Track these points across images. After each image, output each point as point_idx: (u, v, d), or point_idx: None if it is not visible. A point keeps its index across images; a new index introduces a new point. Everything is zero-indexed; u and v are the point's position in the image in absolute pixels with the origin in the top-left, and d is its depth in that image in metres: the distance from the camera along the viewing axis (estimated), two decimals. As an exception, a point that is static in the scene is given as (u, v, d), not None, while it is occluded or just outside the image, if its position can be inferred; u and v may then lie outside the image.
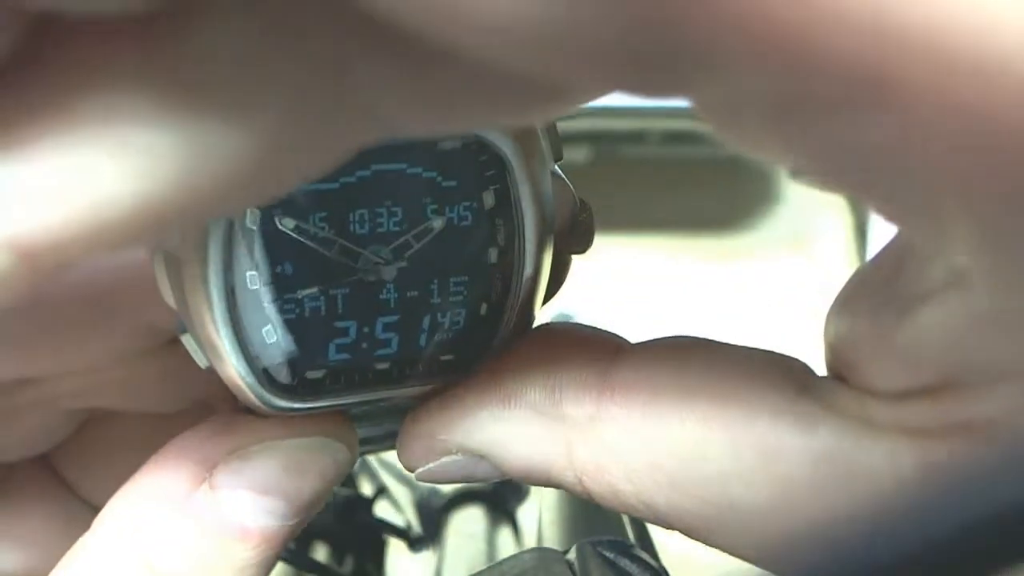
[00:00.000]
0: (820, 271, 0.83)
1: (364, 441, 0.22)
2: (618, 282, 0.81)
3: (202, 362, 0.19)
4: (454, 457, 0.20)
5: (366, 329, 0.20)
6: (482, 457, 0.20)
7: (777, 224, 0.84)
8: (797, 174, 0.18)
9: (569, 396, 0.19)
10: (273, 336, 0.19)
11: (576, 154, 0.73)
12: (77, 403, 0.21)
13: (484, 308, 0.20)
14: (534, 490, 0.49)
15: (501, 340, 0.20)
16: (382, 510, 0.49)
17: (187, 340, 0.19)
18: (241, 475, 0.19)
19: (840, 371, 0.16)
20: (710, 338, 0.19)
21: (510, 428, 0.19)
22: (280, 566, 0.39)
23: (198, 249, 0.17)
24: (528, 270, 0.20)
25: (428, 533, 0.48)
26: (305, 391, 0.19)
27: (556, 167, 0.20)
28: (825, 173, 0.11)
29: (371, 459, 0.50)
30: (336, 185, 0.18)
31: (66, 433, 0.22)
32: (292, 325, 0.19)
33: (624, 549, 0.25)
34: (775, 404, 0.16)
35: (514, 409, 0.19)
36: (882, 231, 0.83)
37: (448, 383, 0.20)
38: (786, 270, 0.83)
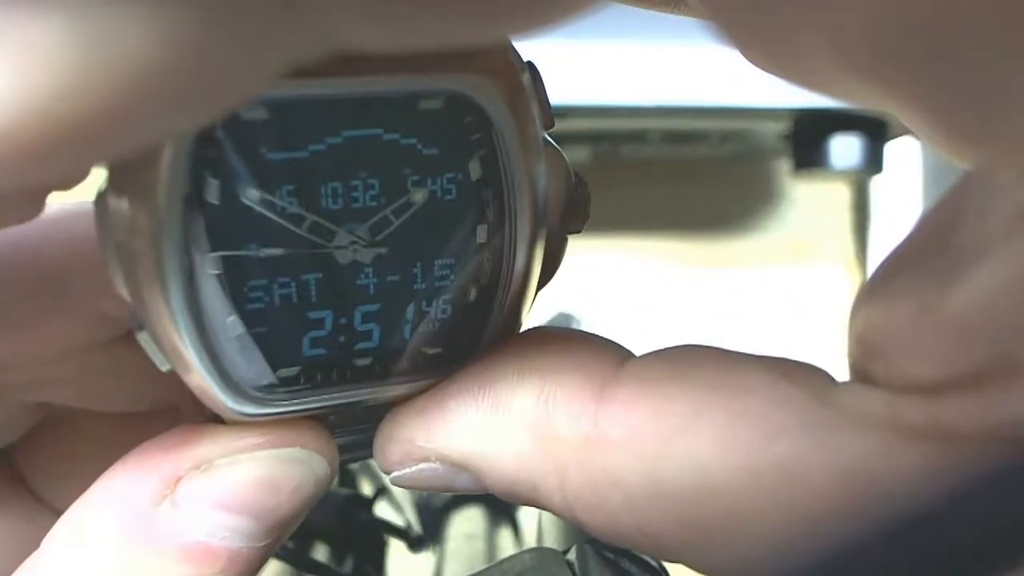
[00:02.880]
0: (821, 272, 0.83)
1: (345, 449, 0.20)
2: (618, 282, 0.81)
3: (162, 364, 0.17)
4: (432, 465, 0.18)
5: (343, 320, 0.18)
6: (463, 469, 0.18)
7: (778, 225, 0.84)
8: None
9: (563, 411, 0.17)
10: (239, 328, 0.17)
11: (576, 154, 0.73)
12: (29, 396, 0.20)
13: (473, 293, 0.18)
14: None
15: (493, 331, 0.19)
16: (382, 510, 0.49)
17: (144, 339, 0.17)
18: (206, 491, 0.17)
19: (868, 368, 0.15)
20: (718, 346, 0.17)
21: (495, 441, 0.18)
22: (280, 566, 0.39)
23: (151, 228, 0.15)
24: (521, 250, 0.18)
25: (428, 533, 0.48)
26: (277, 392, 0.17)
27: (547, 136, 0.18)
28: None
29: (371, 459, 0.50)
30: (305, 154, 0.16)
31: (21, 429, 0.21)
32: (260, 316, 0.17)
33: (624, 549, 0.25)
34: (795, 419, 0.14)
35: (501, 420, 0.18)
36: (883, 231, 0.83)
37: (435, 382, 0.18)
38: (787, 271, 0.83)
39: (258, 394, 0.17)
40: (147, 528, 0.17)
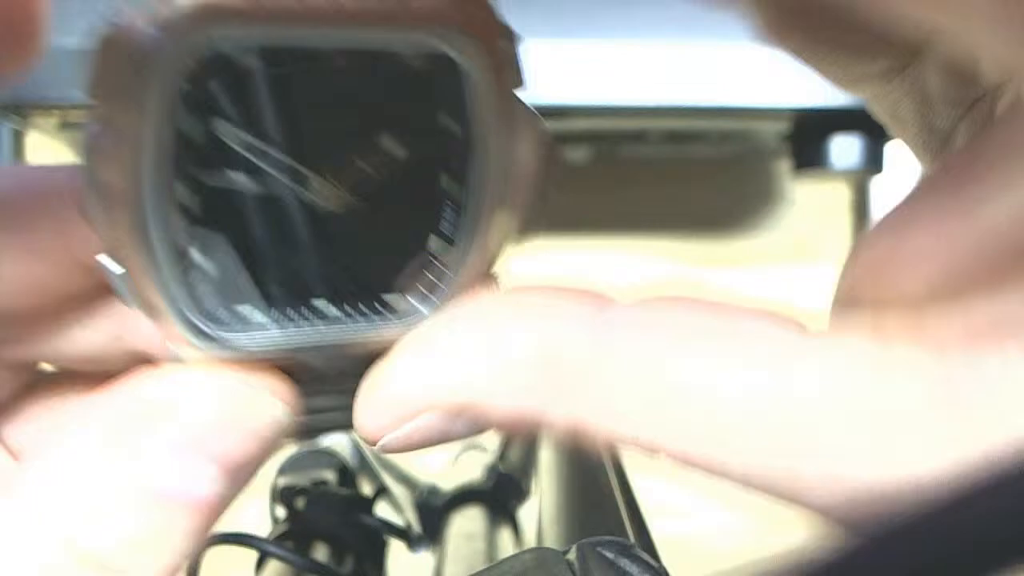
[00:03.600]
0: (821, 272, 0.83)
1: (316, 412, 0.20)
2: (617, 281, 0.81)
3: (131, 303, 0.17)
4: (428, 417, 0.18)
5: (304, 261, 0.18)
6: (460, 413, 0.18)
7: (778, 225, 0.84)
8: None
9: (567, 336, 0.17)
10: (200, 260, 0.17)
11: (576, 154, 0.73)
12: (7, 353, 0.20)
13: (435, 243, 0.19)
14: (534, 490, 0.49)
15: (455, 283, 0.19)
16: (382, 510, 0.49)
17: (114, 274, 0.17)
18: (164, 431, 0.17)
19: (859, 290, 0.16)
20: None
21: (497, 376, 0.17)
22: (280, 566, 0.39)
23: (130, 156, 0.15)
24: (486, 205, 0.18)
25: (428, 533, 0.48)
26: (235, 330, 0.18)
27: (521, 98, 0.18)
28: None
29: (371, 459, 0.50)
30: (287, 100, 0.17)
31: (4, 393, 0.21)
32: (223, 251, 0.17)
33: (624, 549, 0.25)
34: (785, 340, 0.16)
35: (502, 354, 0.17)
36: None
37: (399, 332, 0.18)
38: (787, 271, 0.83)
39: (218, 331, 0.17)
40: (110, 470, 0.17)
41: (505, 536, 0.47)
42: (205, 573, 0.34)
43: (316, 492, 0.44)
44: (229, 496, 0.18)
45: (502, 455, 0.52)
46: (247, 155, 0.17)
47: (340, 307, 0.18)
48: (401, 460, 0.51)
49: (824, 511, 0.15)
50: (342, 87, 0.17)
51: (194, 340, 0.17)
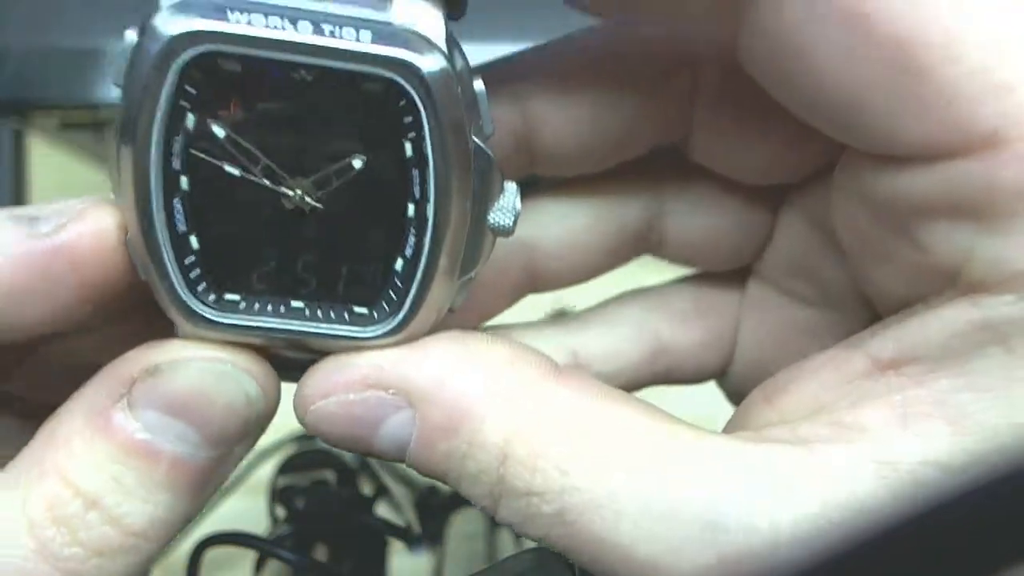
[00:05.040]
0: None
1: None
2: (617, 280, 0.81)
3: (141, 272, 0.20)
4: (378, 394, 0.20)
5: (287, 263, 0.21)
6: (409, 405, 0.20)
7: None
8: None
9: (530, 363, 0.20)
10: (196, 247, 0.20)
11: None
12: (72, 360, 0.22)
13: (400, 264, 0.21)
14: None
15: (413, 302, 0.20)
16: (382, 510, 0.49)
17: (130, 244, 0.19)
18: (152, 392, 0.19)
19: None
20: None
21: (465, 377, 0.20)
22: (280, 566, 0.39)
23: (136, 145, 0.18)
24: (441, 233, 0.20)
25: (428, 533, 0.48)
26: (222, 312, 0.20)
27: (477, 141, 0.20)
28: None
29: (371, 459, 0.50)
30: (267, 107, 0.19)
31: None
32: (216, 241, 0.20)
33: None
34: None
35: (475, 359, 0.20)
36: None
37: (359, 337, 0.21)
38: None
39: (206, 311, 0.20)
40: (104, 421, 0.19)
41: (505, 536, 0.47)
42: (205, 573, 0.34)
43: (316, 492, 0.44)
44: (217, 469, 0.20)
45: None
46: (233, 151, 0.19)
47: (314, 310, 0.21)
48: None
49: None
50: (316, 104, 0.19)
51: (184, 318, 0.20)
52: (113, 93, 0.19)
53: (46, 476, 0.19)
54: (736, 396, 0.22)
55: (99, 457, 0.19)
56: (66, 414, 0.20)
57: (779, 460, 0.19)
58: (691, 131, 0.24)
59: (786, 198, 0.26)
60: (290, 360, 0.22)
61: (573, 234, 0.26)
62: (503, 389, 0.20)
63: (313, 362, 0.21)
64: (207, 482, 0.20)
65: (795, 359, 0.23)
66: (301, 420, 0.21)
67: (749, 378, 0.28)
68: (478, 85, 0.20)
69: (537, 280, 0.27)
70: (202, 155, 0.19)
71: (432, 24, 0.19)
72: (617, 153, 0.24)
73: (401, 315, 0.21)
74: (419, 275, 0.20)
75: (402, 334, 0.21)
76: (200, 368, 0.20)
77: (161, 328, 0.21)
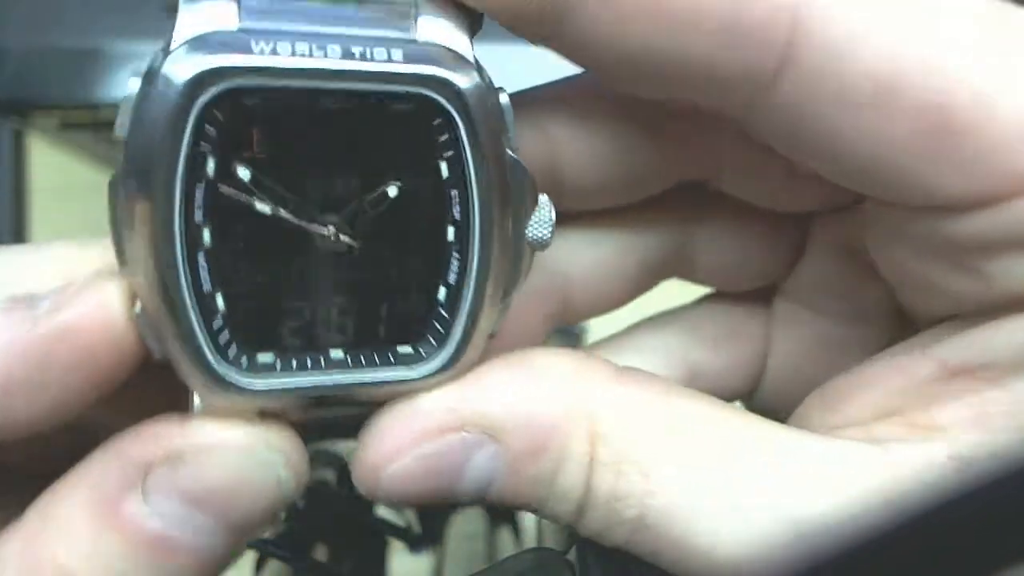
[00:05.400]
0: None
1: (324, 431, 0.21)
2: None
3: (153, 345, 0.17)
4: (458, 437, 0.19)
5: (320, 312, 0.19)
6: (491, 436, 0.19)
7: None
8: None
9: (596, 371, 0.20)
10: (221, 305, 0.18)
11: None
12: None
13: (443, 292, 0.19)
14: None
15: (461, 332, 0.19)
16: (382, 510, 0.49)
17: (140, 318, 0.17)
18: (173, 483, 0.17)
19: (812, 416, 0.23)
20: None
21: (535, 397, 0.19)
22: (280, 566, 0.39)
23: (152, 195, 0.16)
24: (486, 252, 0.19)
25: (428, 533, 0.48)
26: (256, 372, 0.18)
27: (512, 153, 0.19)
28: None
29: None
30: (291, 142, 0.18)
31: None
32: (242, 299, 0.18)
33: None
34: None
35: (540, 381, 0.19)
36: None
37: (407, 379, 0.19)
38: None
39: (239, 378, 0.18)
40: (114, 512, 0.17)
41: (505, 536, 0.47)
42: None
43: (316, 492, 0.44)
44: (236, 550, 0.18)
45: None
46: (258, 194, 0.18)
47: (356, 358, 0.19)
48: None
49: None
50: (343, 133, 0.18)
51: (214, 388, 0.18)
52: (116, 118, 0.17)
53: (40, 569, 0.17)
54: (766, 415, 0.22)
55: (106, 552, 0.17)
56: (66, 496, 0.17)
57: (856, 458, 0.19)
58: (718, 167, 0.24)
59: (817, 219, 0.26)
60: (325, 422, 0.20)
61: (604, 263, 0.25)
62: (579, 398, 0.19)
63: (354, 419, 0.20)
64: (223, 566, 0.18)
65: (828, 375, 0.23)
66: (371, 493, 0.19)
67: (781, 396, 0.28)
68: (503, 98, 0.19)
69: (568, 312, 0.26)
70: (226, 202, 0.17)
71: (459, 40, 0.19)
72: (643, 188, 0.24)
73: (452, 347, 0.19)
74: (467, 300, 0.19)
75: (456, 367, 0.19)
76: (230, 457, 0.18)
77: (171, 389, 0.19)
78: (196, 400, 0.18)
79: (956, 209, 0.19)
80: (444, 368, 0.19)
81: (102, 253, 0.18)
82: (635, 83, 0.20)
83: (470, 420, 0.19)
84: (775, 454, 0.19)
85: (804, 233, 0.27)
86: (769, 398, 0.29)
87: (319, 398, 0.19)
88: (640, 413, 0.20)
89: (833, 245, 0.26)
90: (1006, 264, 0.19)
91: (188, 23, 0.17)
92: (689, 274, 0.27)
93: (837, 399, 0.22)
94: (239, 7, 0.17)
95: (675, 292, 0.28)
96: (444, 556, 0.46)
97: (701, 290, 0.29)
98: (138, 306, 0.17)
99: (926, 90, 0.18)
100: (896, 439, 0.20)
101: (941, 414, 0.20)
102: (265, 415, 0.19)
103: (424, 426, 0.19)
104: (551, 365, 0.20)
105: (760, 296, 0.28)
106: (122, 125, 0.17)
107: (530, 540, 0.49)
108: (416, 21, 0.18)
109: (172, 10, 0.17)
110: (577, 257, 0.25)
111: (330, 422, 0.20)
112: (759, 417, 0.20)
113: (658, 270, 0.27)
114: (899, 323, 0.25)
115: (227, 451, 0.18)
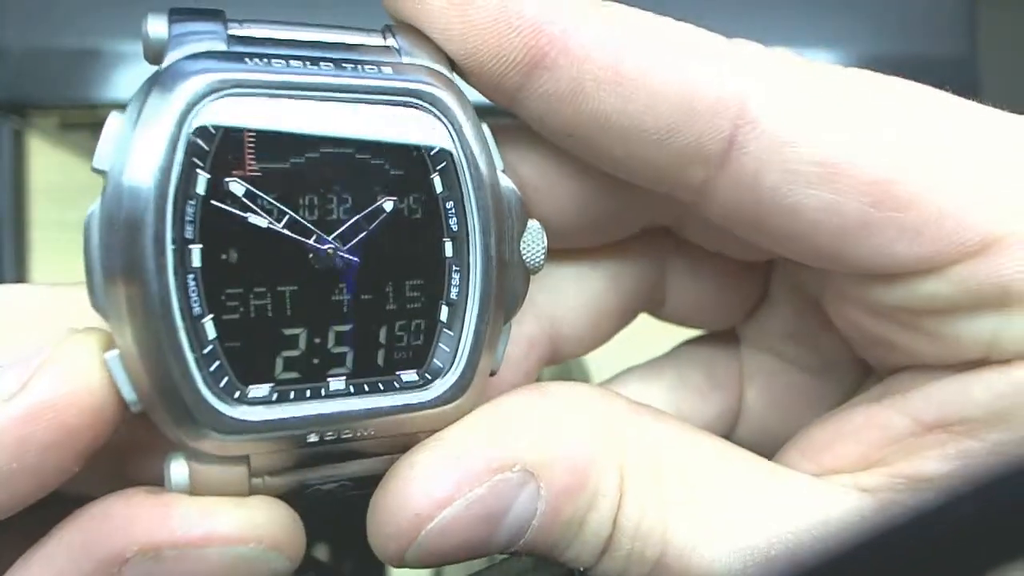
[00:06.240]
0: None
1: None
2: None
3: (129, 394, 0.16)
4: (507, 476, 0.18)
5: (317, 340, 0.18)
6: (533, 475, 0.18)
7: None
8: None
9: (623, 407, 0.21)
10: (213, 332, 0.17)
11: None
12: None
13: (444, 312, 0.19)
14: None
15: (466, 355, 0.19)
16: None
17: (114, 362, 0.16)
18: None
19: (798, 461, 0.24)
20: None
21: (565, 432, 0.19)
22: (280, 566, 0.39)
23: (137, 217, 0.16)
24: (484, 266, 0.19)
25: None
26: (247, 407, 0.17)
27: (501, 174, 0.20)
28: None
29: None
30: (286, 164, 0.17)
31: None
32: (235, 326, 0.17)
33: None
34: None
35: (568, 416, 0.19)
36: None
37: (410, 408, 0.18)
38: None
39: (233, 411, 0.17)
40: None
41: (505, 536, 0.47)
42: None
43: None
44: None
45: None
46: (251, 214, 0.17)
47: (356, 383, 0.18)
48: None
49: None
50: (338, 154, 0.18)
51: (205, 425, 0.16)
52: (113, 91, 0.17)
53: None
54: None
55: None
56: None
57: (856, 510, 0.20)
58: (679, 217, 0.25)
59: (779, 267, 0.27)
60: (319, 494, 0.19)
61: (590, 301, 0.26)
62: (610, 432, 0.19)
63: (351, 486, 0.19)
64: None
65: (796, 423, 0.25)
66: (400, 553, 0.18)
67: (753, 443, 0.28)
68: (485, 128, 0.19)
69: (556, 353, 0.26)
70: (218, 220, 0.17)
71: (438, 57, 0.19)
72: (611, 231, 0.25)
73: (459, 369, 0.19)
74: (472, 316, 0.19)
75: (469, 391, 0.19)
76: (216, 554, 0.16)
77: (141, 440, 0.17)
78: (173, 471, 0.17)
79: (905, 275, 0.20)
80: (453, 392, 0.19)
81: (67, 297, 0.17)
82: (596, 158, 0.21)
83: (512, 458, 0.18)
84: (784, 499, 0.20)
85: (767, 279, 0.28)
86: (744, 445, 0.29)
87: (315, 444, 0.18)
88: (660, 447, 0.20)
89: (794, 293, 0.27)
90: (958, 326, 0.20)
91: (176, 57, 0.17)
92: (658, 311, 0.28)
93: (814, 450, 0.23)
94: (226, 40, 0.17)
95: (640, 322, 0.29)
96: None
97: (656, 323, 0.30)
98: (114, 352, 0.16)
99: (872, 167, 0.19)
100: (884, 489, 0.21)
101: (925, 465, 0.21)
102: (255, 490, 0.17)
103: (471, 467, 0.18)
104: (574, 398, 0.20)
105: (735, 344, 0.29)
106: (103, 156, 0.16)
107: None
108: (396, 38, 0.19)
109: (156, 62, 0.16)
110: (566, 296, 0.26)
111: (324, 496, 0.19)
112: (763, 460, 0.21)
113: (637, 306, 0.27)
114: (863, 370, 0.26)
115: (214, 547, 0.16)
